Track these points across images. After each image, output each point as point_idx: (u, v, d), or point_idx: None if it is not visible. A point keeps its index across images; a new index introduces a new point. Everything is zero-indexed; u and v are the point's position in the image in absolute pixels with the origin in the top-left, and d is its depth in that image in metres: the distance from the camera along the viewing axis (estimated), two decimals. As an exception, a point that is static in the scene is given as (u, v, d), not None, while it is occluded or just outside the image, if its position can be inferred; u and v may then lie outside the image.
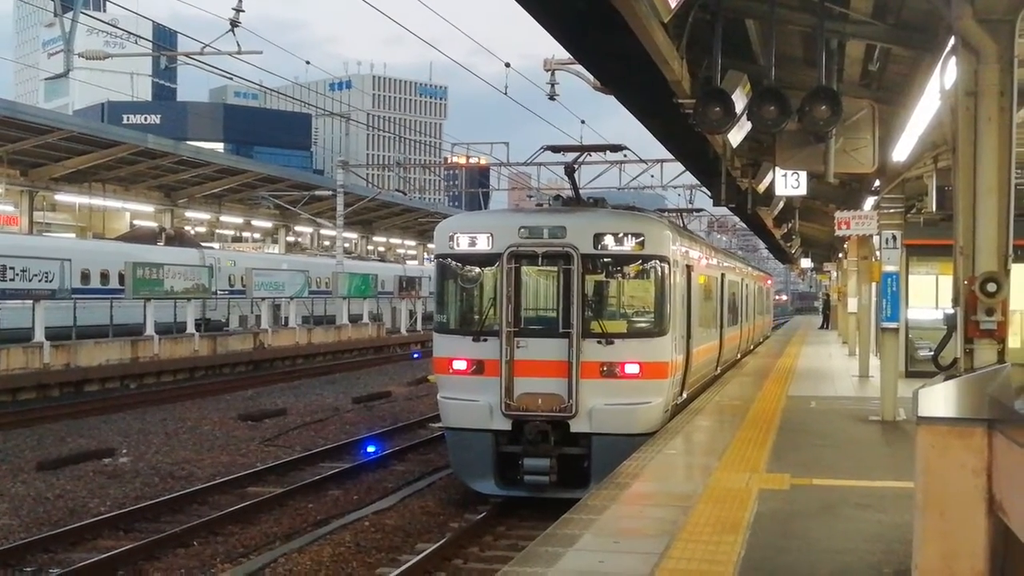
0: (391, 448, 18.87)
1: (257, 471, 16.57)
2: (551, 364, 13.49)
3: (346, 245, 55.18)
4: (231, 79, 36.41)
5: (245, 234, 62.95)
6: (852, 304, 28.54)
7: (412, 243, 77.10)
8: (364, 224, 64.68)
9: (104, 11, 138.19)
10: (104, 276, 34.26)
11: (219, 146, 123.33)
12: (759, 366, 25.70)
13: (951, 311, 7.19)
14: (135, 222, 50.11)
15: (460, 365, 13.96)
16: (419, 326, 51.23)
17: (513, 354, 13.52)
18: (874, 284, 21.42)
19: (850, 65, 12.48)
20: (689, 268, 15.94)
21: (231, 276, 41.82)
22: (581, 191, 16.70)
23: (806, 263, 59.38)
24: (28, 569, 11.31)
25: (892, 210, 15.85)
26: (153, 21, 34.73)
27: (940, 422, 4.95)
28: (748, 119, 10.89)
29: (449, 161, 59.81)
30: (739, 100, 10.59)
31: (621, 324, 14.06)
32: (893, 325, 15.57)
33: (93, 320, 29.96)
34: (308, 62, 37.93)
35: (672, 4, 7.83)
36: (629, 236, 13.72)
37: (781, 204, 24.76)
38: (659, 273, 13.92)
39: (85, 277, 32.95)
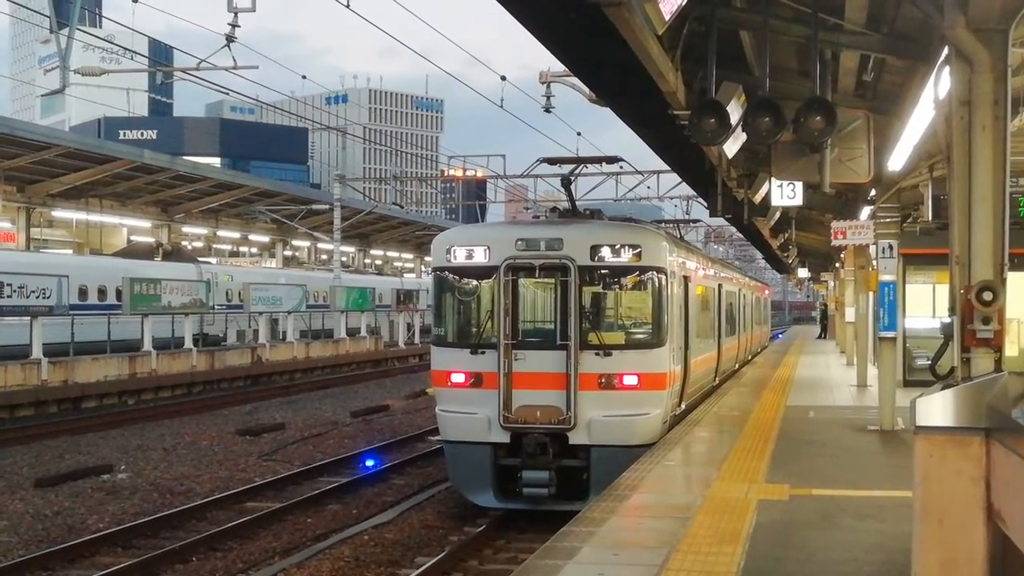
0: (390, 462, 18.85)
1: (256, 486, 16.54)
2: (549, 376, 13.48)
3: (343, 259, 55.22)
4: (227, 94, 36.39)
5: (242, 249, 62.97)
6: (850, 314, 28.56)
7: (409, 256, 77.14)
8: (361, 237, 64.73)
9: (100, 27, 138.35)
10: (101, 292, 34.24)
11: (216, 161, 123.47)
12: (757, 376, 25.69)
13: (948, 320, 7.21)
14: (132, 238, 50.11)
15: (458, 378, 13.96)
16: (417, 339, 51.21)
17: (511, 366, 13.53)
18: (871, 294, 21.47)
19: (844, 75, 12.52)
20: (686, 279, 15.95)
21: (228, 291, 41.80)
22: (578, 203, 16.72)
23: (803, 273, 59.46)
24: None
25: (888, 219, 15.89)
26: (149, 37, 34.75)
27: (938, 431, 4.95)
28: (743, 130, 10.91)
29: (446, 174, 59.87)
30: (734, 111, 10.61)
31: (619, 335, 14.07)
32: (890, 334, 15.58)
33: (91, 336, 29.92)
34: (304, 76, 37.96)
35: (666, 16, 7.86)
36: (626, 248, 13.73)
37: (777, 214, 24.80)
38: (656, 284, 13.93)
39: (82, 293, 32.93)
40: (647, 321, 14.07)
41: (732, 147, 13.04)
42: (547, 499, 13.32)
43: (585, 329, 13.60)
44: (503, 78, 29.88)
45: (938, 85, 7.95)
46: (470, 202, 68.96)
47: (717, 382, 21.66)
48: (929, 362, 8.54)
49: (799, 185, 14.79)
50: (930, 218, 18.33)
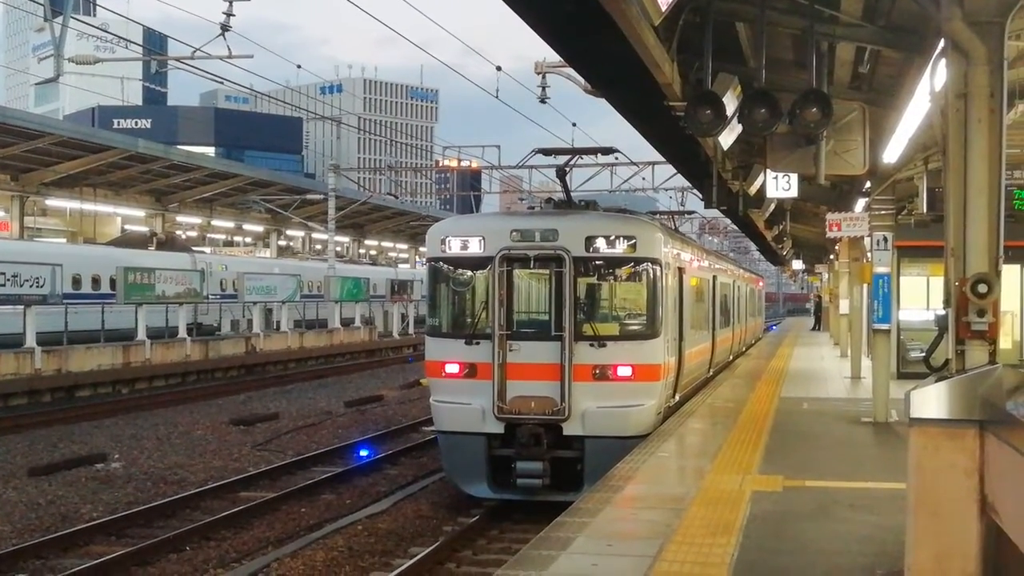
0: (384, 452, 18.85)
1: (249, 476, 16.54)
2: (543, 367, 13.49)
3: (338, 249, 55.12)
4: (222, 83, 36.27)
5: (236, 238, 62.80)
6: (844, 306, 28.60)
7: (404, 246, 77.01)
8: (356, 228, 64.61)
9: (94, 16, 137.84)
10: (95, 281, 34.18)
11: (210, 150, 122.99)
12: (751, 368, 25.72)
13: (942, 312, 7.20)
14: (126, 227, 49.94)
15: (452, 368, 13.95)
16: (411, 329, 51.19)
17: (505, 357, 13.53)
18: (865, 286, 21.49)
19: (840, 67, 12.50)
20: (681, 270, 15.95)
21: (223, 280, 41.72)
22: (572, 194, 16.70)
23: (798, 265, 59.51)
24: (20, 575, 11.28)
25: (883, 212, 15.89)
26: (143, 25, 34.63)
27: (932, 423, 4.97)
28: (739, 122, 10.90)
29: (440, 164, 59.75)
30: (730, 103, 10.60)
31: (613, 327, 14.07)
32: (885, 326, 15.60)
33: (84, 325, 29.88)
34: (299, 66, 37.93)
35: (663, 7, 7.84)
36: (621, 239, 13.73)
37: (772, 206, 24.79)
38: (651, 275, 13.93)
39: (76, 282, 32.82)
40: (641, 312, 14.08)
41: (727, 139, 13.04)
42: (541, 490, 13.34)
43: (580, 320, 13.61)
44: (498, 68, 29.83)
45: (934, 77, 7.94)
46: (465, 192, 68.80)
47: (711, 373, 21.67)
48: (923, 354, 8.54)
49: (794, 177, 14.79)
50: (925, 210, 18.28)
